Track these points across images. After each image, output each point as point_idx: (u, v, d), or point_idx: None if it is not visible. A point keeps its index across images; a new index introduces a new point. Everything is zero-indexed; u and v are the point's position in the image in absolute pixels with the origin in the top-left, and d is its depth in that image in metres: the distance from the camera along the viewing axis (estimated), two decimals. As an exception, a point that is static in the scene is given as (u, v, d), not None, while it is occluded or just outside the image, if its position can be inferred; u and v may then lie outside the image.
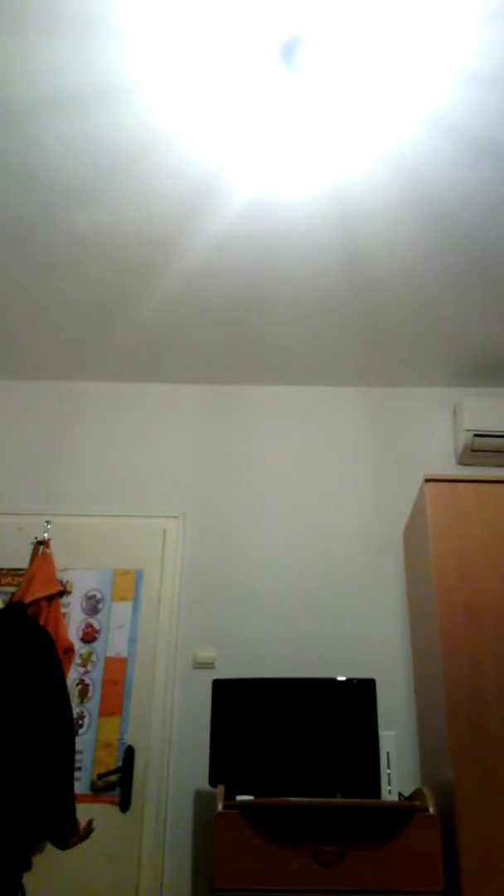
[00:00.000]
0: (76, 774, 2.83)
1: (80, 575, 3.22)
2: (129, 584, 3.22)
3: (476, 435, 3.43)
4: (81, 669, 3.03)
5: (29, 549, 3.22)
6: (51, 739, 1.83)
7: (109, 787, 2.83)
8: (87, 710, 2.95)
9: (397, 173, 2.59)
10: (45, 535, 3.24)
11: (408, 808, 2.35)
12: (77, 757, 2.87)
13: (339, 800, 2.36)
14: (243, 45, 2.18)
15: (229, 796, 2.49)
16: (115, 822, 2.77)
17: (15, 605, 2.09)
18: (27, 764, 1.78)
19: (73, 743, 1.90)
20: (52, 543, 3.23)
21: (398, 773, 2.79)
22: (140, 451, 3.60)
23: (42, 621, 2.95)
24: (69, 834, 1.85)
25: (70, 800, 1.85)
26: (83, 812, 2.75)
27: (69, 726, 1.87)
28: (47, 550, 3.18)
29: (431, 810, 2.36)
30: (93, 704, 2.96)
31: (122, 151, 2.53)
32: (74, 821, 1.86)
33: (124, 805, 2.79)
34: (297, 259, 2.99)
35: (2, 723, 1.78)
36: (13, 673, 1.85)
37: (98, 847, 2.73)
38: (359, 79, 2.27)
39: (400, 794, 2.62)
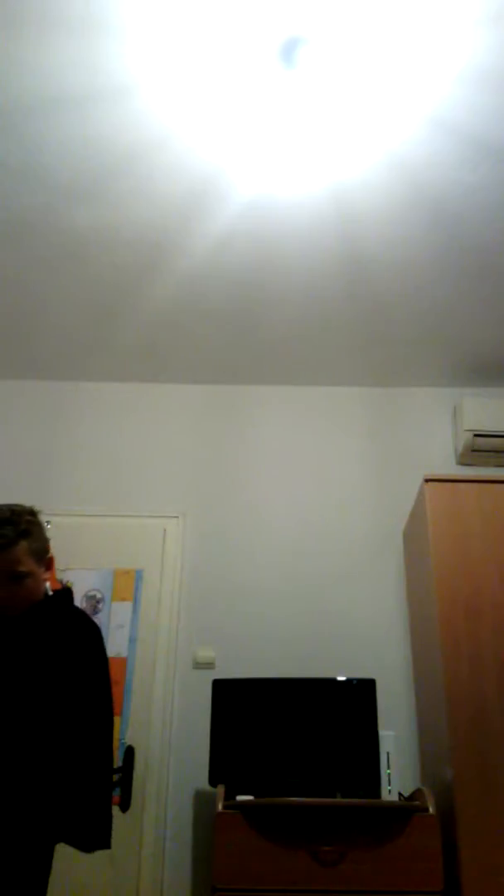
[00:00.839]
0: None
1: (80, 575, 3.22)
2: (129, 584, 3.22)
3: (476, 435, 3.44)
4: (81, 669, 3.03)
5: (29, 549, 3.22)
6: (89, 740, 1.72)
7: (109, 787, 2.83)
8: (87, 710, 2.95)
9: (397, 173, 2.59)
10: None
11: (408, 808, 2.35)
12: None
13: (339, 800, 2.36)
14: (243, 46, 2.18)
15: (229, 796, 2.49)
16: (116, 822, 2.77)
17: (64, 591, 1.92)
18: (63, 766, 1.69)
19: (110, 743, 1.76)
20: (52, 543, 3.22)
21: (398, 773, 2.79)
22: (140, 451, 3.60)
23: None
24: (104, 842, 1.68)
25: (107, 807, 1.73)
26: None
27: (108, 727, 1.77)
28: (47, 550, 3.18)
29: (431, 810, 2.36)
30: (93, 704, 2.96)
31: (122, 151, 2.53)
32: (110, 829, 1.70)
33: (124, 805, 2.79)
34: (297, 259, 2.99)
35: (32, 718, 1.68)
36: (51, 665, 1.76)
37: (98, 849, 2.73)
38: (359, 79, 2.28)
39: (400, 794, 2.62)
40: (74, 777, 1.68)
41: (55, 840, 1.66)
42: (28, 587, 1.79)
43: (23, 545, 1.78)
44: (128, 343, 3.52)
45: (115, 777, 2.84)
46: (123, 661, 3.06)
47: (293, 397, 3.77)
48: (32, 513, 1.87)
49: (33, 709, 1.69)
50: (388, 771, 2.60)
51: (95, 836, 1.67)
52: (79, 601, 3.17)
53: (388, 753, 2.63)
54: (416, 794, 2.55)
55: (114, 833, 2.75)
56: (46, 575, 1.87)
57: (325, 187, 2.66)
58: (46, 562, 1.87)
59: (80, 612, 1.88)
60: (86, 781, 1.69)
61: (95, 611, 3.15)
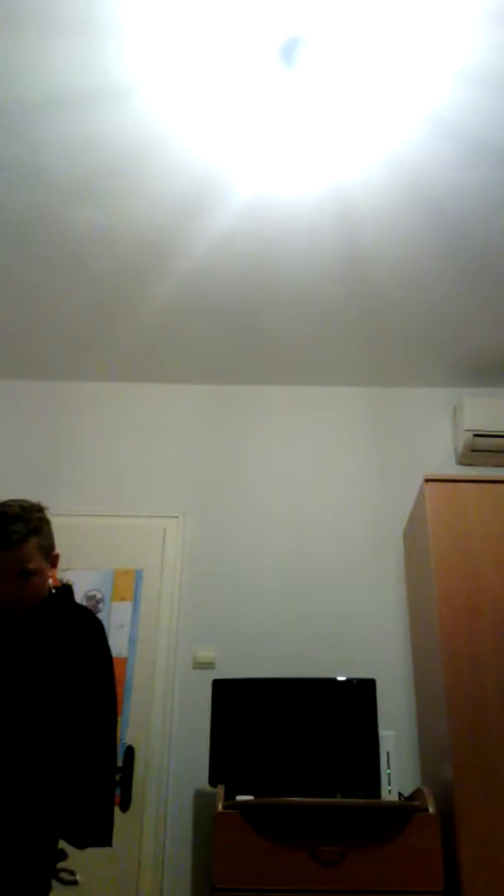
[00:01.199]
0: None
1: (80, 575, 3.22)
2: (129, 584, 3.22)
3: (476, 435, 3.43)
4: (81, 669, 3.03)
5: (29, 549, 3.22)
6: (95, 738, 1.71)
7: (109, 787, 2.83)
8: (87, 710, 2.95)
9: (397, 173, 2.59)
10: (46, 535, 3.24)
11: (408, 808, 2.35)
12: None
13: (339, 800, 2.36)
14: (243, 46, 2.18)
15: (229, 796, 2.49)
16: (116, 822, 2.77)
17: (65, 588, 1.92)
18: (70, 763, 1.69)
19: (115, 741, 1.78)
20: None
21: (398, 773, 2.79)
22: (140, 451, 3.60)
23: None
24: (105, 840, 1.66)
25: (111, 804, 1.72)
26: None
27: (113, 725, 1.76)
28: (47, 550, 3.17)
29: (431, 810, 2.37)
30: (93, 704, 2.96)
31: (122, 151, 2.53)
32: (111, 826, 1.68)
33: (124, 805, 2.79)
34: (297, 259, 2.99)
35: (39, 715, 1.68)
36: (60, 663, 1.73)
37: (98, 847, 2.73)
38: (359, 79, 2.27)
39: (400, 794, 2.62)
40: (81, 774, 1.69)
41: (58, 837, 1.66)
42: (36, 584, 1.78)
43: (33, 542, 1.77)
44: (128, 343, 3.51)
45: (116, 776, 2.83)
46: (123, 661, 3.06)
47: (293, 397, 3.77)
48: (41, 509, 1.85)
49: (43, 707, 1.69)
50: (388, 771, 2.60)
51: (97, 834, 1.67)
52: (79, 601, 3.16)
53: (388, 753, 2.63)
54: (416, 794, 2.55)
55: (114, 833, 2.75)
56: (51, 572, 1.86)
57: (325, 187, 2.66)
58: (52, 559, 1.86)
59: (86, 610, 1.88)
60: (91, 778, 1.70)
61: (95, 611, 3.15)
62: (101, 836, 1.68)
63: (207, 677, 3.05)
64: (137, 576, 3.24)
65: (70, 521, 3.35)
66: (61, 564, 3.19)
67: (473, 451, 3.48)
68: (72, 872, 1.71)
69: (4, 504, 1.80)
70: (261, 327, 3.39)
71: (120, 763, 2.85)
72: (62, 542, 3.24)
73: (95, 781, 1.70)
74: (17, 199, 2.72)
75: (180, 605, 3.21)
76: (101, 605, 3.17)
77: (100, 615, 3.14)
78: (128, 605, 3.17)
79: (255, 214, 2.78)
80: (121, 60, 2.23)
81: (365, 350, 3.54)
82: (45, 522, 1.84)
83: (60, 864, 1.69)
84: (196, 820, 2.83)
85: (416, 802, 2.41)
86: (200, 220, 2.81)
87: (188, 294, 3.18)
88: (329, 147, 2.50)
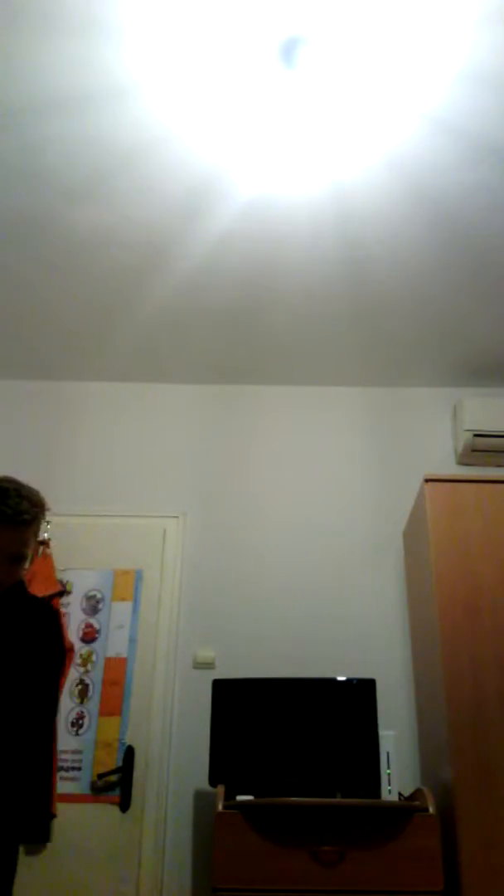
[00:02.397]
0: (76, 774, 2.83)
1: (80, 575, 3.22)
2: (129, 584, 3.22)
3: (476, 435, 3.43)
4: (81, 669, 3.04)
5: (29, 549, 3.21)
6: (34, 732, 1.66)
7: (109, 787, 2.83)
8: (86, 711, 2.95)
9: (397, 173, 2.59)
10: (45, 535, 3.24)
11: (408, 808, 2.35)
12: (77, 757, 2.87)
13: (339, 800, 2.36)
14: (243, 46, 2.18)
15: (229, 796, 2.49)
16: (116, 822, 2.77)
17: (16, 584, 1.82)
18: (8, 754, 1.66)
19: (52, 737, 1.73)
20: (52, 543, 3.23)
21: (398, 773, 2.79)
22: (140, 451, 3.60)
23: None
24: (40, 836, 1.64)
25: (46, 798, 1.66)
26: (82, 812, 2.76)
27: (52, 721, 1.71)
28: (47, 550, 3.18)
29: (431, 810, 2.37)
30: (93, 704, 2.96)
31: (122, 151, 2.53)
32: (49, 826, 1.67)
33: (124, 805, 2.79)
34: (297, 259, 2.99)
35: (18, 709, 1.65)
36: (15, 651, 1.71)
37: (98, 847, 2.73)
38: (359, 79, 2.27)
39: (400, 794, 2.62)
40: (18, 768, 1.65)
41: (19, 837, 1.62)
42: (19, 571, 1.70)
43: (34, 526, 1.70)
44: (128, 343, 3.51)
45: (115, 777, 2.84)
46: (123, 661, 3.06)
47: (293, 397, 3.77)
48: (39, 494, 1.79)
49: (18, 699, 1.66)
50: (388, 771, 2.60)
51: (30, 827, 1.62)
52: (79, 601, 3.17)
53: (388, 753, 2.63)
54: (416, 794, 2.55)
55: (114, 833, 2.75)
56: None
57: (325, 187, 2.66)
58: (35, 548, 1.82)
59: (45, 602, 1.85)
60: (27, 772, 1.66)
61: (95, 611, 3.16)
62: (34, 830, 1.63)
63: (207, 677, 3.05)
64: (137, 576, 3.24)
65: (70, 521, 3.35)
66: (60, 564, 3.22)
67: (473, 451, 3.48)
68: None
69: (11, 479, 1.71)
70: (261, 327, 3.39)
71: (120, 763, 2.85)
72: (62, 542, 3.26)
73: (31, 775, 1.65)
74: (17, 198, 2.72)
75: (180, 605, 3.21)
76: (101, 605, 3.17)
77: (100, 615, 3.15)
78: (128, 605, 3.17)
79: (255, 214, 2.78)
80: (121, 60, 2.23)
81: (365, 350, 3.54)
82: (45, 510, 1.75)
83: None
84: (196, 820, 2.83)
85: (416, 802, 2.41)
86: (200, 220, 2.81)
87: (188, 294, 3.18)
88: (329, 147, 2.50)
